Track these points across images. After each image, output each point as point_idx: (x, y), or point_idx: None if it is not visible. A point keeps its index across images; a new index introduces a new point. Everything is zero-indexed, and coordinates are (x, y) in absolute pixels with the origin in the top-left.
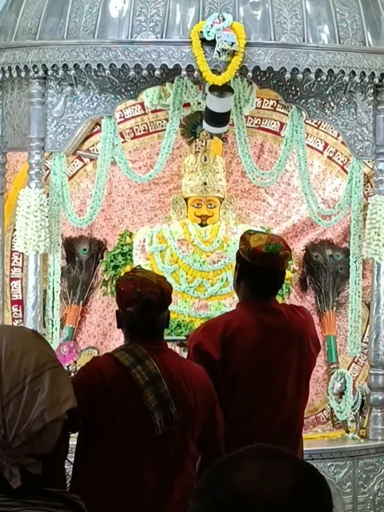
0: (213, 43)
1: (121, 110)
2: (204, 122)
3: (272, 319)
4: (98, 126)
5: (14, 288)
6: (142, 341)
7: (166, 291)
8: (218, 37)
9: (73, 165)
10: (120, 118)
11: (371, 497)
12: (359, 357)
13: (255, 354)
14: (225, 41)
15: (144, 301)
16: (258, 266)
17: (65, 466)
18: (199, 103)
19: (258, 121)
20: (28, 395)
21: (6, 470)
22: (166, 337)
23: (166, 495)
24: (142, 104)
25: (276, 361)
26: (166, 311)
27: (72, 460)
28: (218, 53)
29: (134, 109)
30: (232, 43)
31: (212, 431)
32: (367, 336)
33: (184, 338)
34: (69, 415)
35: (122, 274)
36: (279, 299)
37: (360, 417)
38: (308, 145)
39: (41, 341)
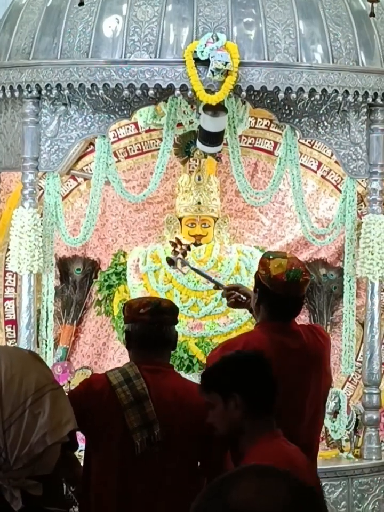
0: (206, 63)
1: (115, 130)
2: (197, 141)
3: (290, 341)
4: (92, 146)
5: (8, 308)
6: (142, 360)
7: (175, 305)
8: (212, 57)
9: (67, 185)
10: (114, 137)
11: None
12: (353, 376)
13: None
14: (219, 60)
15: (156, 304)
16: (279, 294)
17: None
18: (191, 122)
19: (252, 141)
20: (28, 418)
21: (7, 493)
22: None
23: None
24: (135, 123)
25: (293, 383)
26: (175, 327)
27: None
28: (212, 72)
29: (127, 128)
30: (226, 63)
31: (209, 452)
32: (361, 355)
33: None
34: (68, 435)
35: (115, 295)
36: None
37: (355, 436)
38: (301, 164)
39: (40, 363)
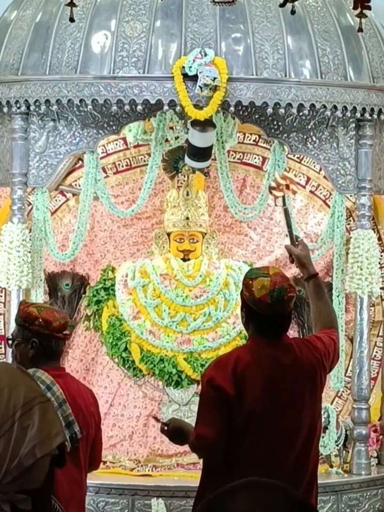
0: (195, 78)
1: (103, 145)
2: (186, 157)
3: (283, 355)
4: (80, 161)
5: None
6: (45, 367)
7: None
8: (200, 72)
9: (56, 200)
10: (102, 153)
11: None
12: (343, 392)
13: (268, 390)
14: (207, 76)
15: (72, 324)
16: (265, 315)
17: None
18: (177, 138)
19: (240, 156)
20: (18, 431)
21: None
22: None
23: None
24: (124, 139)
25: (287, 397)
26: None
27: None
28: (200, 88)
29: (116, 144)
30: (214, 78)
31: (95, 446)
32: (350, 371)
33: None
34: (57, 448)
35: (104, 310)
36: None
37: (344, 451)
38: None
39: (27, 377)
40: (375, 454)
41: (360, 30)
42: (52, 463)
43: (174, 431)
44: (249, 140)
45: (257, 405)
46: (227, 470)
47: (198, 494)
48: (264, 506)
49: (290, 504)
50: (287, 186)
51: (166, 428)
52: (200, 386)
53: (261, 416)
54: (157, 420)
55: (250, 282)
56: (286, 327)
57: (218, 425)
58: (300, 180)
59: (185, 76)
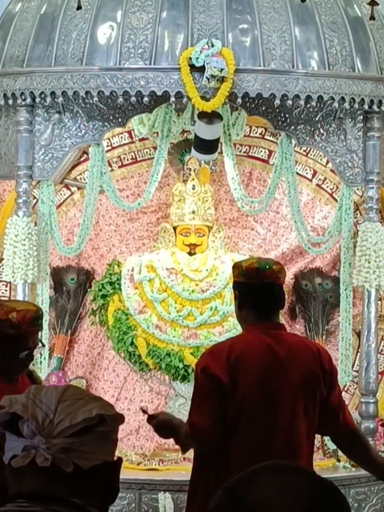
0: (202, 69)
1: (108, 139)
2: (192, 149)
3: (277, 344)
4: (85, 155)
5: None
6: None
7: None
8: (207, 63)
9: (61, 194)
10: (107, 146)
11: None
12: (349, 386)
13: (261, 378)
14: (214, 67)
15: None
16: (255, 283)
17: None
18: (185, 131)
19: (246, 149)
20: (84, 401)
21: (40, 458)
22: None
23: None
24: (129, 132)
25: (281, 386)
26: None
27: None
28: (208, 79)
29: (121, 137)
30: (221, 69)
31: None
32: (357, 365)
33: None
34: (110, 466)
35: (110, 304)
36: None
37: None
38: (296, 173)
39: None
40: (383, 448)
41: (372, 18)
42: (110, 472)
43: (161, 423)
44: (256, 133)
45: (250, 393)
46: (221, 459)
47: (191, 485)
48: (288, 489)
49: (314, 486)
50: None
51: (153, 420)
52: None
53: (254, 405)
54: (144, 411)
55: (238, 263)
56: (276, 303)
57: (212, 414)
58: (306, 173)
59: (192, 67)
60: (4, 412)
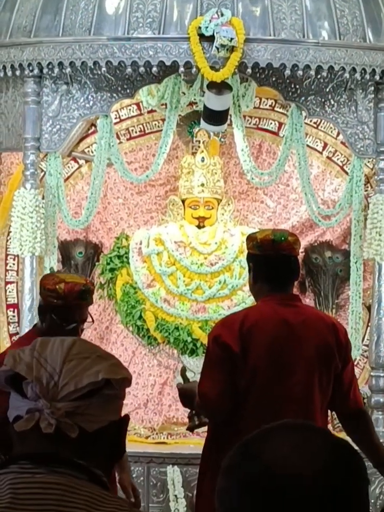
0: (211, 39)
1: (116, 111)
2: (201, 121)
3: (291, 315)
4: (93, 127)
5: (9, 291)
6: None
7: None
8: (217, 33)
9: (68, 167)
10: (115, 118)
11: (372, 501)
12: (359, 360)
13: (273, 349)
14: (224, 36)
15: None
16: (270, 255)
17: None
18: (195, 103)
19: (256, 121)
20: (91, 361)
21: (44, 421)
22: None
23: None
24: (138, 104)
25: (293, 357)
26: None
27: None
28: (217, 48)
29: (129, 109)
30: (231, 38)
31: None
32: (367, 339)
33: None
34: (116, 425)
35: (118, 278)
36: None
37: None
38: (307, 145)
39: None
40: None
41: None
42: (118, 432)
43: (183, 391)
44: (266, 105)
45: (261, 363)
46: (233, 430)
47: (202, 459)
48: (303, 448)
49: (329, 446)
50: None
51: (181, 385)
52: None
53: (265, 376)
54: (183, 373)
55: (251, 234)
56: (292, 275)
57: (222, 384)
58: (317, 145)
59: (201, 36)
60: (7, 369)
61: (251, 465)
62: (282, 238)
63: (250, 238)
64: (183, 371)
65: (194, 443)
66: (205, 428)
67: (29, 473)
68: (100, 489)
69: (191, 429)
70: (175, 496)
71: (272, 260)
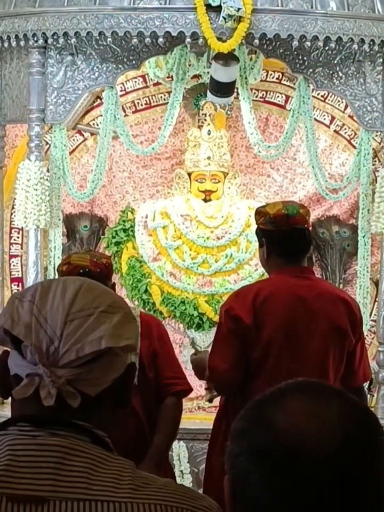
0: (218, 9)
1: (122, 83)
2: (208, 92)
3: (304, 288)
4: (99, 100)
5: (14, 265)
6: None
7: None
8: (224, 3)
9: (74, 140)
10: (121, 91)
11: None
12: (367, 335)
13: (287, 321)
14: (231, 6)
15: None
16: (285, 230)
17: None
18: (199, 76)
19: (263, 94)
20: (93, 321)
21: (44, 389)
22: None
23: None
24: (143, 76)
25: (306, 330)
26: None
27: None
28: (224, 19)
29: (135, 81)
30: (238, 9)
31: None
32: (375, 314)
33: None
34: (120, 378)
35: (124, 251)
36: None
37: (369, 395)
38: (314, 119)
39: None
40: None
41: None
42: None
43: (196, 362)
44: (272, 78)
45: (275, 336)
46: (245, 402)
47: (213, 431)
48: (319, 415)
49: (347, 411)
50: None
51: (194, 356)
52: None
53: (279, 348)
54: (193, 345)
55: (262, 208)
56: (306, 247)
57: (232, 357)
58: (324, 119)
59: (208, 6)
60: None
61: (263, 433)
62: (295, 212)
63: (261, 213)
64: (193, 343)
65: (200, 418)
66: (218, 399)
67: (29, 435)
68: (103, 450)
69: (210, 400)
70: (181, 471)
71: (287, 234)
